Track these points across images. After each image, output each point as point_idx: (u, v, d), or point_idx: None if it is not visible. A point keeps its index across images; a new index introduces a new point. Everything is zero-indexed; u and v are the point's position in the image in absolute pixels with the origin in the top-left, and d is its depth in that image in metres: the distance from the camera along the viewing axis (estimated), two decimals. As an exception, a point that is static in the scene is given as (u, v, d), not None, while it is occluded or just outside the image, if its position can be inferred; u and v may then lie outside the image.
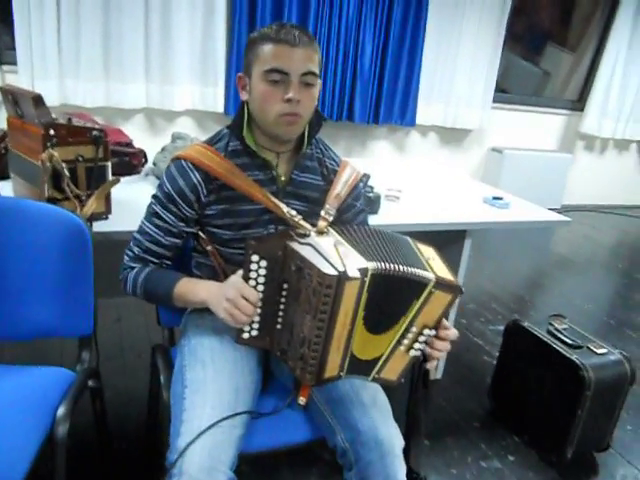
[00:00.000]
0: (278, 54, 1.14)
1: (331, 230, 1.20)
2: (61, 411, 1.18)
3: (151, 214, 1.26)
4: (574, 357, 1.84)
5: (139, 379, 2.09)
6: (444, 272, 1.14)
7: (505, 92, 5.14)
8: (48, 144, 1.34)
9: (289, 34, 1.14)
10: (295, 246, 1.10)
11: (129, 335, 2.42)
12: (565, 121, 5.44)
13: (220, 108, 3.93)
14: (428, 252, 1.20)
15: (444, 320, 1.15)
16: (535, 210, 2.21)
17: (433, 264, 1.15)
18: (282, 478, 1.71)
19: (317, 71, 1.18)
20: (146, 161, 2.11)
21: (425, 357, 1.18)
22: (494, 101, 4.88)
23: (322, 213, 1.26)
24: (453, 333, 1.17)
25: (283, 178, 1.28)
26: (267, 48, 1.15)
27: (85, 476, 1.62)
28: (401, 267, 1.08)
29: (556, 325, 2.04)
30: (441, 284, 1.10)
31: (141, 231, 1.27)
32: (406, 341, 1.15)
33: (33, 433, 1.14)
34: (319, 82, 1.21)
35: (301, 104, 1.17)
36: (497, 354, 2.22)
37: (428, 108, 4.62)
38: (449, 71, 4.58)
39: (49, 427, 1.17)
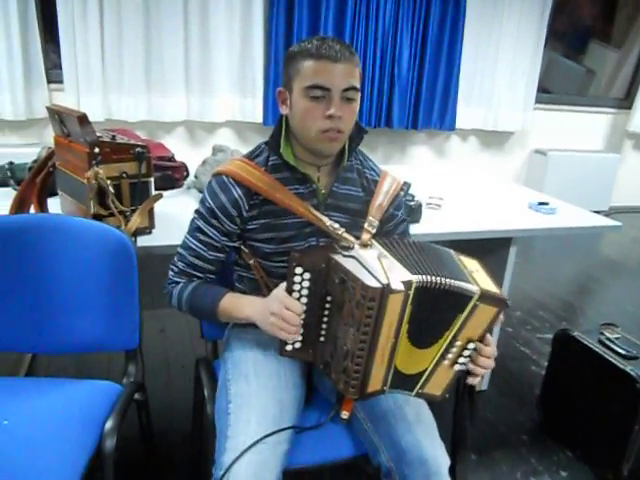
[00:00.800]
0: (320, 70, 1.13)
1: (375, 242, 1.19)
2: (109, 425, 1.20)
3: (194, 229, 1.27)
4: (629, 369, 1.76)
5: (183, 390, 2.11)
6: (489, 285, 1.11)
7: (547, 92, 5.01)
8: (93, 162, 1.38)
9: (331, 49, 1.13)
10: (339, 259, 1.09)
11: (173, 346, 2.45)
12: (612, 120, 5.26)
13: (259, 119, 3.97)
14: (472, 265, 1.18)
15: (488, 336, 1.12)
16: (583, 215, 2.13)
17: (477, 277, 1.12)
18: (326, 492, 1.70)
19: (358, 85, 1.17)
20: (188, 174, 2.14)
21: (468, 372, 1.15)
22: (536, 102, 4.77)
23: (365, 225, 1.25)
24: (492, 350, 1.13)
25: (323, 191, 1.27)
26: (308, 64, 1.14)
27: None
28: (445, 280, 1.05)
29: (608, 334, 1.96)
30: (486, 297, 1.07)
31: (185, 246, 1.28)
32: (450, 355, 1.12)
33: (82, 447, 1.16)
34: (359, 95, 1.20)
35: (342, 120, 1.16)
36: (545, 364, 2.15)
37: (468, 111, 4.55)
38: (489, 73, 4.50)
39: (97, 440, 1.18)
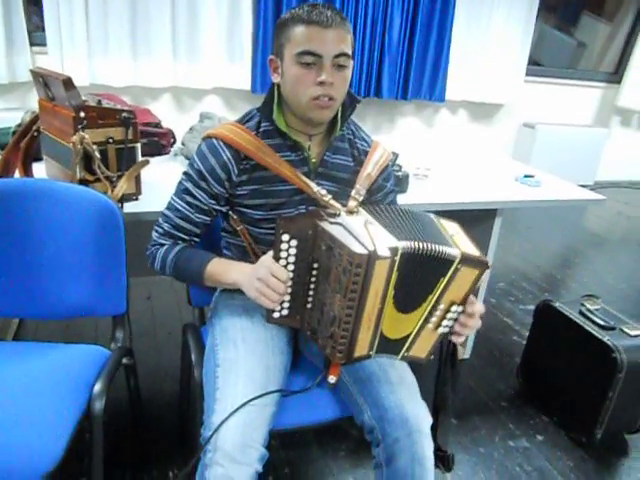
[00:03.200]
0: (310, 36, 1.12)
1: (361, 210, 1.20)
2: (97, 388, 1.22)
3: (182, 191, 1.26)
4: (606, 339, 1.81)
5: (170, 356, 2.13)
6: (469, 248, 1.13)
7: (538, 65, 4.98)
8: (79, 126, 1.36)
9: (322, 15, 1.11)
10: (325, 225, 1.10)
11: (160, 313, 2.47)
12: (601, 94, 5.27)
13: (247, 86, 3.91)
14: (452, 228, 1.20)
15: (471, 296, 1.15)
16: (568, 188, 2.15)
17: (458, 240, 1.14)
18: (311, 454, 1.74)
19: (350, 52, 1.16)
20: (175, 141, 2.12)
21: (452, 333, 1.18)
22: (527, 74, 4.75)
23: (352, 193, 1.25)
24: (479, 308, 1.17)
25: (314, 160, 1.27)
26: (299, 30, 1.13)
27: (121, 450, 1.67)
28: (429, 245, 1.07)
29: (588, 306, 2.01)
30: (467, 260, 1.09)
31: (171, 207, 1.28)
32: (434, 319, 1.15)
33: (71, 409, 1.17)
34: (351, 63, 1.19)
35: (334, 87, 1.15)
36: (526, 334, 2.20)
37: (458, 83, 4.51)
38: (480, 44, 4.46)
39: (86, 403, 1.20)
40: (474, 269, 1.11)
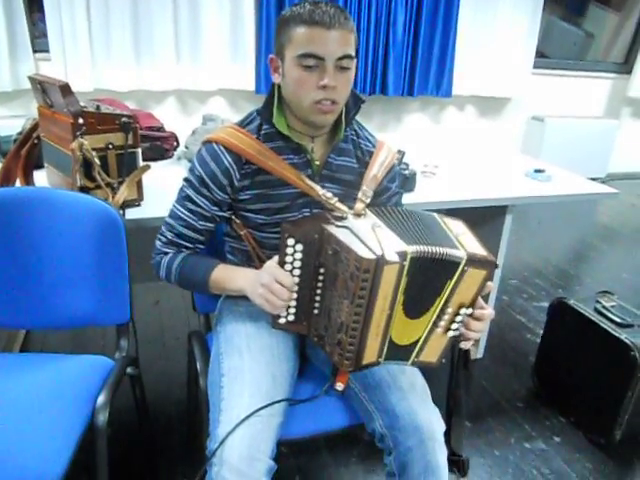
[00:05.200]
0: (312, 38, 1.07)
1: (368, 212, 1.16)
2: (100, 400, 1.19)
3: (183, 198, 1.23)
4: (623, 336, 1.76)
5: (178, 361, 2.11)
6: (476, 247, 1.09)
7: (545, 57, 4.91)
8: (77, 133, 1.34)
9: (324, 15, 1.07)
10: (332, 229, 1.07)
11: (168, 318, 2.44)
12: (611, 85, 5.18)
13: (251, 86, 3.88)
14: (457, 227, 1.16)
15: (480, 299, 1.11)
16: (579, 182, 2.10)
17: (463, 240, 1.10)
18: (322, 460, 1.71)
19: (353, 53, 1.12)
20: (178, 145, 2.10)
21: (462, 336, 1.15)
22: (534, 67, 4.67)
23: (359, 195, 1.22)
24: (489, 313, 1.13)
25: (318, 162, 1.24)
26: (300, 31, 1.08)
27: (126, 462, 1.65)
28: (437, 248, 1.04)
29: (604, 302, 1.96)
30: (473, 261, 1.06)
31: (174, 215, 1.25)
32: (443, 322, 1.11)
33: (74, 422, 1.15)
34: (355, 63, 1.15)
35: (337, 90, 1.11)
36: (541, 332, 2.16)
37: (465, 77, 4.45)
38: (486, 37, 4.39)
39: (90, 415, 1.18)
40: (481, 270, 1.07)
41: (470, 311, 1.11)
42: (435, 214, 1.19)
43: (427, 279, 1.06)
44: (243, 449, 1.02)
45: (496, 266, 1.09)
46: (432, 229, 1.12)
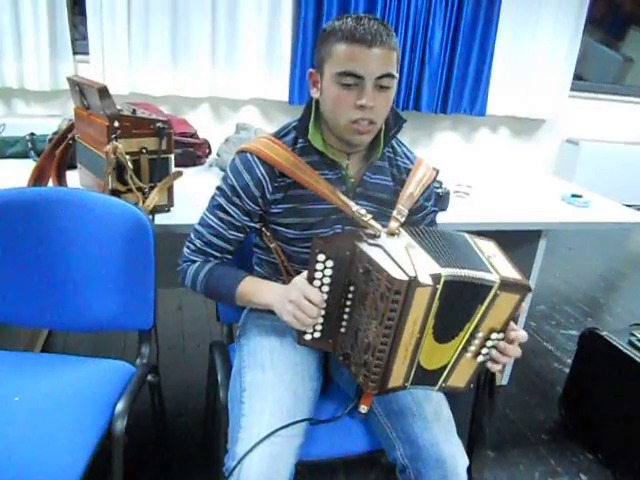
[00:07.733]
0: (352, 56, 1.04)
1: (402, 231, 1.13)
2: (119, 407, 1.17)
3: (214, 206, 1.21)
4: (660, 373, 1.68)
5: (197, 369, 2.09)
6: (508, 270, 1.05)
7: (582, 79, 4.83)
8: (112, 136, 1.34)
9: (366, 32, 1.03)
10: (364, 247, 1.04)
11: (189, 324, 2.43)
12: (648, 111, 5.06)
13: (285, 97, 3.88)
14: (489, 249, 1.11)
15: (511, 322, 1.06)
16: (617, 209, 2.04)
17: (496, 262, 1.06)
18: (339, 481, 1.67)
19: (395, 72, 1.08)
20: (210, 152, 2.10)
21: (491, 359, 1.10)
22: (571, 89, 4.59)
23: (394, 213, 1.18)
24: (522, 335, 1.08)
25: (352, 180, 1.21)
26: (341, 48, 1.05)
27: (143, 471, 1.62)
28: (471, 272, 1.00)
29: (638, 335, 1.88)
30: (507, 285, 1.01)
31: (203, 223, 1.23)
32: (473, 347, 1.07)
33: (92, 427, 1.13)
34: (395, 82, 1.11)
35: (375, 110, 1.08)
36: (569, 361, 2.09)
37: (499, 97, 4.39)
38: (524, 58, 4.33)
39: (108, 422, 1.16)
40: (515, 294, 1.03)
41: (501, 336, 1.07)
42: (466, 234, 1.15)
43: (459, 303, 1.02)
44: (262, 469, 0.99)
45: (530, 290, 1.04)
46: (464, 250, 1.08)
